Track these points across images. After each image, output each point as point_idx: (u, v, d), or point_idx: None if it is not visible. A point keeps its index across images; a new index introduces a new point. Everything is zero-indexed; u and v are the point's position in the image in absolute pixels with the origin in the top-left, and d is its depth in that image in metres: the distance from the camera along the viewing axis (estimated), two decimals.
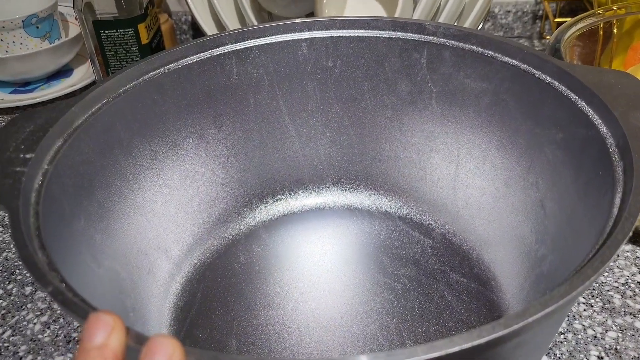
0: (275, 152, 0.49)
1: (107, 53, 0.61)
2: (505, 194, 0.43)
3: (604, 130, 0.33)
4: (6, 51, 0.68)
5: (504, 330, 0.21)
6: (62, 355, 0.41)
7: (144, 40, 0.61)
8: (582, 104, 0.35)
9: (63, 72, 0.74)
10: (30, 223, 0.29)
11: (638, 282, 0.44)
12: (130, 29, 0.59)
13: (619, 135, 0.32)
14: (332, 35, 0.46)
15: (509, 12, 0.78)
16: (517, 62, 0.40)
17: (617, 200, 0.28)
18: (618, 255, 0.46)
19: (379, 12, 0.65)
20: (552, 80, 0.38)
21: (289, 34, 0.45)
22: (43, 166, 0.33)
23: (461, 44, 0.43)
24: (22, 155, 0.33)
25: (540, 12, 0.78)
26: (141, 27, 0.60)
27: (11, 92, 0.70)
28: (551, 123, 0.38)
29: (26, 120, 0.36)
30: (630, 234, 0.25)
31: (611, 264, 0.45)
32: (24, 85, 0.72)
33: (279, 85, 0.47)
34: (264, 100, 0.47)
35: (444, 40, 0.43)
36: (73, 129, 0.36)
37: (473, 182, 0.45)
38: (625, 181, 0.29)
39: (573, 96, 0.36)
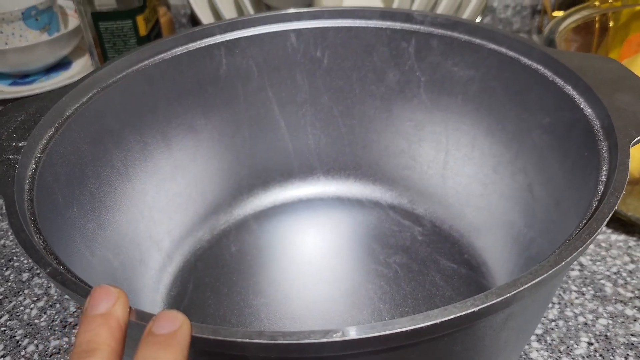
0: (265, 143, 0.49)
1: (105, 45, 0.61)
2: (494, 181, 0.43)
3: (589, 112, 0.34)
4: (5, 43, 0.68)
5: (497, 298, 0.21)
6: (58, 339, 0.41)
7: (143, 32, 0.61)
8: (568, 88, 0.36)
9: (62, 64, 0.74)
10: (25, 209, 0.29)
11: (629, 271, 0.44)
12: (129, 21, 0.59)
13: (604, 117, 0.32)
14: (321, 25, 0.46)
15: (507, 6, 0.78)
16: (503, 49, 0.41)
17: (603, 178, 0.29)
18: (611, 245, 0.46)
19: (378, 4, 0.65)
20: (539, 66, 0.39)
21: (278, 24, 0.46)
22: (36, 154, 0.33)
23: (449, 33, 0.43)
24: (14, 144, 0.33)
25: (539, 6, 0.78)
26: (140, 19, 0.60)
27: (10, 84, 0.70)
28: (538, 108, 0.39)
29: (16, 110, 0.36)
30: (616, 207, 0.26)
31: (603, 253, 0.46)
32: (22, 77, 0.71)
33: (268, 76, 0.47)
34: (253, 91, 0.47)
35: (431, 29, 0.44)
36: (64, 118, 0.37)
37: (462, 169, 0.46)
38: (610, 159, 0.30)
39: (559, 81, 0.37)
